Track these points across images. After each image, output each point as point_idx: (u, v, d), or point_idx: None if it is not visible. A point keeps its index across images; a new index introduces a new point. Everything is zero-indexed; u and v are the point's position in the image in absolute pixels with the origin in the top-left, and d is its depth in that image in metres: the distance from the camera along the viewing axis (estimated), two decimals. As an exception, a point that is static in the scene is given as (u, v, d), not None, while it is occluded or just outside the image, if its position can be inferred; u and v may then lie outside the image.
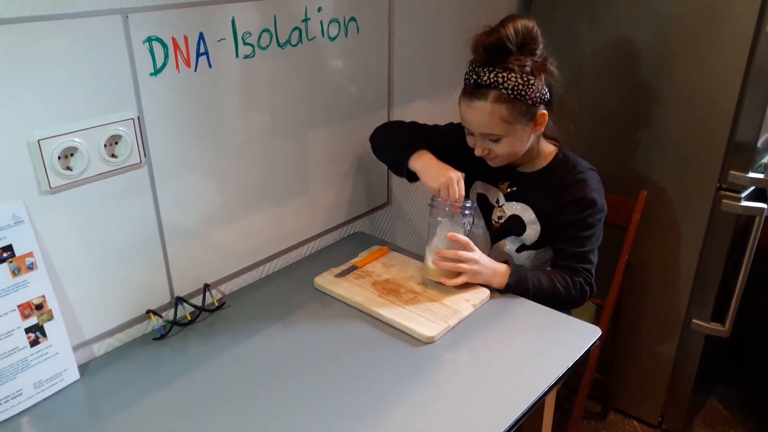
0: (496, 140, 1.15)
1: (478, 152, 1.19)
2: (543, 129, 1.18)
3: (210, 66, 1.06)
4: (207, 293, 1.17)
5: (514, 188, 1.27)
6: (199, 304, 1.15)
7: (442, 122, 1.38)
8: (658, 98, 1.51)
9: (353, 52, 1.32)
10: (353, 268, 1.26)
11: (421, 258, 1.27)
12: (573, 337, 1.07)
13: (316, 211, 1.38)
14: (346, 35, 1.29)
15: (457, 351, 1.04)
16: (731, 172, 1.44)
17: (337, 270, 1.25)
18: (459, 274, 1.15)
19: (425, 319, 1.09)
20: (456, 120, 1.34)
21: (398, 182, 1.55)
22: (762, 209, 1.43)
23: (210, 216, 1.15)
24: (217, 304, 1.17)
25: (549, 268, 1.26)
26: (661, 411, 1.80)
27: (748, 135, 1.40)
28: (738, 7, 1.34)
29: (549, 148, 1.26)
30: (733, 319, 1.56)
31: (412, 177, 1.22)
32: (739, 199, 1.45)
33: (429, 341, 1.05)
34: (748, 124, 1.39)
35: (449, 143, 1.28)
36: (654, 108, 1.53)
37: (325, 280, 1.22)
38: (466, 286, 1.16)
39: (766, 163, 1.48)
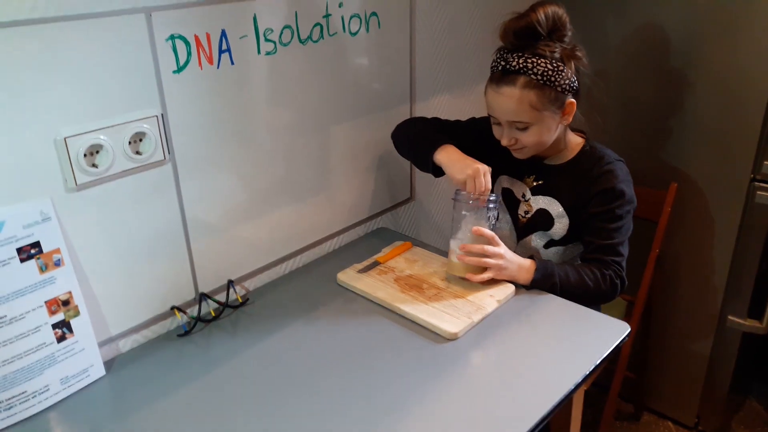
0: (524, 129, 1.13)
1: (504, 142, 1.16)
2: (571, 119, 1.15)
3: (232, 63, 1.06)
4: (231, 289, 1.17)
5: (541, 181, 1.24)
6: (223, 300, 1.16)
7: (465, 117, 1.36)
8: (689, 87, 1.47)
9: (375, 47, 1.31)
10: (376, 263, 1.25)
11: (444, 253, 1.25)
12: (601, 333, 1.04)
13: (339, 207, 1.37)
14: (367, 30, 1.28)
15: (482, 348, 1.02)
16: (766, 162, 1.38)
17: (360, 266, 1.25)
18: (484, 269, 1.13)
19: (449, 315, 1.07)
20: (479, 115, 1.32)
21: (421, 177, 1.53)
22: (800, 201, 1.38)
23: (233, 212, 1.15)
24: (240, 301, 1.17)
25: (578, 263, 1.23)
26: (698, 412, 1.74)
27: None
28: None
29: (576, 140, 1.23)
30: (772, 315, 1.50)
31: (438, 171, 1.21)
32: (775, 191, 1.40)
33: (452, 338, 1.03)
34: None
35: (473, 138, 1.27)
36: (684, 98, 1.48)
37: (348, 276, 1.21)
38: (491, 281, 1.14)
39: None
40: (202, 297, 1.13)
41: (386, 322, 1.09)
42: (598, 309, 1.19)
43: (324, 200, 1.33)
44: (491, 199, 1.13)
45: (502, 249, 1.13)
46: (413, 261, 1.26)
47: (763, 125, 1.37)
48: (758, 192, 1.41)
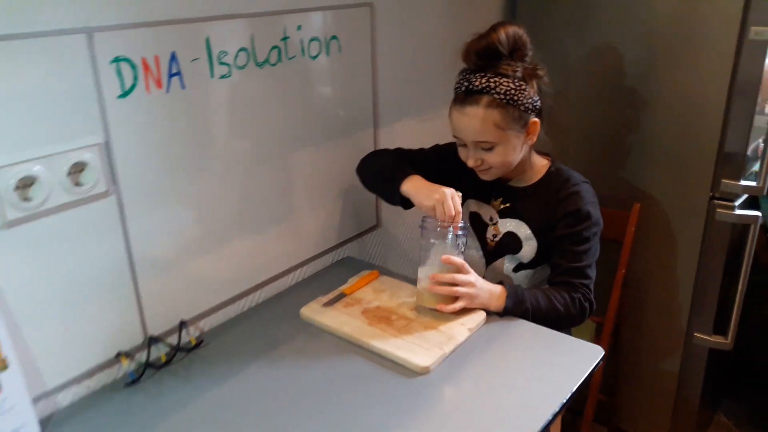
0: (490, 149, 1.11)
1: (470, 163, 1.14)
2: (535, 138, 1.14)
3: (183, 87, 1.00)
4: (183, 331, 1.08)
5: (508, 204, 1.22)
6: (175, 343, 1.06)
7: (430, 142, 1.33)
8: (647, 108, 1.49)
9: (336, 71, 1.27)
10: (341, 295, 1.19)
11: (412, 281, 1.20)
12: (575, 358, 1.01)
13: (302, 237, 1.31)
14: (327, 54, 1.24)
15: (455, 380, 0.96)
16: (723, 180, 1.40)
17: (325, 299, 1.18)
18: (455, 299, 1.08)
19: (419, 347, 1.02)
20: (444, 140, 1.29)
21: (387, 204, 1.48)
22: (756, 217, 1.40)
23: (186, 247, 1.07)
24: (194, 343, 1.08)
25: (546, 286, 1.20)
26: (669, 429, 1.73)
27: (738, 142, 1.37)
28: (722, 13, 1.33)
29: (541, 162, 1.22)
30: (735, 330, 1.51)
31: (407, 203, 1.17)
32: (732, 208, 1.41)
33: (424, 372, 0.97)
34: (737, 131, 1.37)
35: (437, 164, 1.25)
36: (643, 118, 1.50)
37: (312, 311, 1.14)
38: (462, 310, 1.09)
39: (756, 171, 1.45)
40: (152, 341, 1.04)
41: (354, 359, 1.02)
42: (569, 332, 1.16)
43: (286, 230, 1.26)
44: (460, 225, 1.09)
45: (473, 277, 1.09)
46: (381, 291, 1.21)
47: (720, 144, 1.39)
48: (718, 210, 1.42)
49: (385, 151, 1.31)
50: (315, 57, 1.21)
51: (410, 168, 1.18)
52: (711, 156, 1.41)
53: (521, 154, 1.15)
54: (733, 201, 1.42)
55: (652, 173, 1.52)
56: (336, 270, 1.35)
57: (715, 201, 1.43)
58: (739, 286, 1.46)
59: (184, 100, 1.00)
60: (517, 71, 1.08)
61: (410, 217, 1.58)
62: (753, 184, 1.38)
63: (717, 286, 1.50)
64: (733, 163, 1.39)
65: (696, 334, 1.57)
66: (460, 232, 1.09)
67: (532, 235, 1.19)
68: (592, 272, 1.16)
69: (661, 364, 1.66)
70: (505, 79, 1.07)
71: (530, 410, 0.89)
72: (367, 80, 1.36)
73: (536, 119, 1.12)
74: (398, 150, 1.30)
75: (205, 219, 1.09)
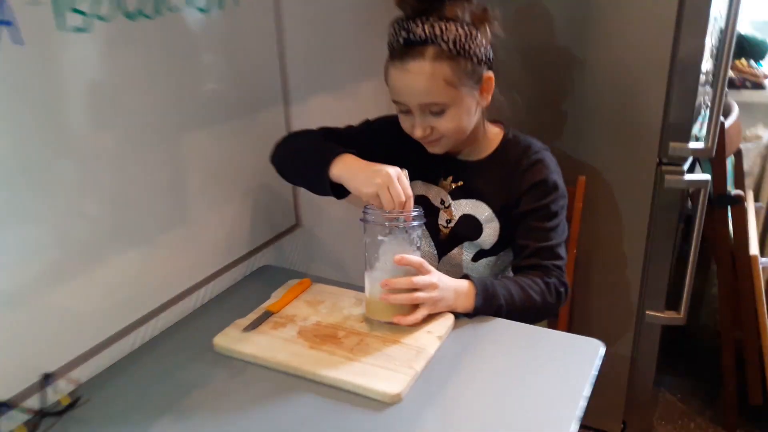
0: (440, 113, 0.91)
1: (418, 133, 0.93)
2: (490, 98, 0.96)
3: (21, 42, 0.69)
4: (49, 387, 0.77)
5: (460, 182, 1.02)
6: (38, 406, 0.75)
7: (355, 121, 1.10)
8: (585, 73, 1.36)
9: (232, 30, 1.00)
10: (267, 314, 0.93)
11: (355, 286, 0.96)
12: (570, 355, 0.84)
13: (203, 246, 1.02)
14: (220, 6, 0.97)
15: (438, 404, 0.75)
16: (671, 144, 1.31)
17: (245, 321, 0.91)
18: (415, 306, 0.86)
19: (382, 369, 0.79)
20: (373, 117, 1.08)
21: (308, 198, 1.24)
22: (706, 181, 1.33)
23: (43, 275, 0.76)
24: (67, 402, 0.77)
25: (511, 274, 1.03)
26: (623, 417, 1.63)
27: (686, 102, 1.28)
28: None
29: (494, 130, 1.04)
30: (688, 304, 1.43)
31: (340, 191, 0.93)
32: (681, 173, 1.33)
33: (395, 400, 0.75)
34: (684, 89, 1.27)
35: (371, 143, 1.01)
36: (581, 84, 1.38)
37: (230, 338, 0.87)
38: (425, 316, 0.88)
39: (696, 134, 1.38)
40: (2, 408, 0.72)
41: (299, 396, 0.77)
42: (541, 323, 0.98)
43: (180, 240, 0.97)
44: (414, 214, 0.87)
45: (435, 277, 0.87)
46: (318, 303, 0.96)
47: (665, 105, 1.29)
48: (666, 176, 1.33)
49: (306, 131, 1.06)
50: (205, 10, 0.94)
51: (341, 147, 0.94)
52: (657, 119, 1.31)
53: (475, 118, 0.96)
54: (681, 165, 1.33)
55: (595, 142, 1.40)
56: (253, 283, 1.08)
57: (663, 167, 1.34)
58: (691, 256, 1.38)
59: (22, 63, 0.70)
60: (465, 14, 0.89)
61: (338, 209, 1.33)
62: (701, 146, 1.30)
63: (668, 257, 1.41)
64: (680, 124, 1.30)
65: (648, 312, 1.48)
66: (414, 223, 0.87)
67: (493, 216, 1.00)
68: (564, 252, 1.00)
69: (613, 348, 1.55)
70: (452, 24, 0.88)
71: (547, 425, 0.70)
72: (271, 44, 1.10)
73: (490, 74, 0.94)
74: (322, 129, 1.06)
75: (65, 236, 0.78)
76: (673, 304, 1.47)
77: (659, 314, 1.47)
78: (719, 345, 1.60)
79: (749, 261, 1.46)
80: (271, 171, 1.05)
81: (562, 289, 0.97)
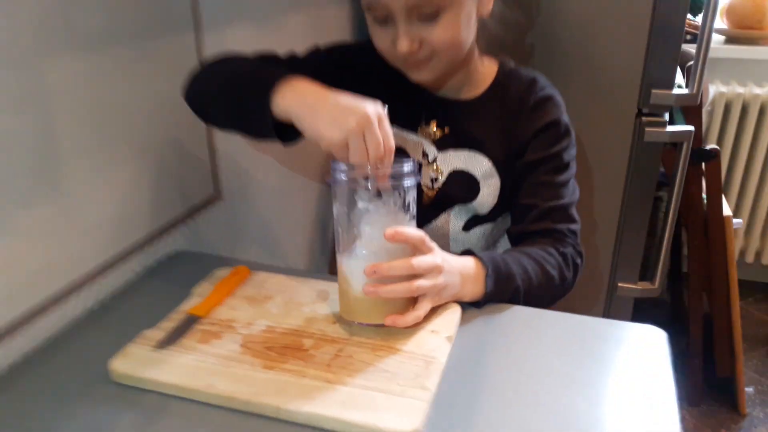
0: (432, 18, 0.66)
1: (404, 46, 0.67)
2: (491, 7, 0.72)
3: None
4: None
5: (446, 129, 0.77)
6: None
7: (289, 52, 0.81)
8: (565, 20, 1.17)
9: None
10: (191, 320, 0.63)
11: (310, 273, 0.69)
12: (627, 348, 0.63)
13: (84, 229, 0.69)
14: None
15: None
16: (653, 91, 1.16)
17: (158, 333, 0.61)
18: (414, 300, 0.61)
19: (382, 393, 0.52)
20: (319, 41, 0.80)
21: (230, 161, 0.93)
22: (690, 131, 1.19)
23: None
24: None
25: (504, 245, 0.81)
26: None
27: (668, 45, 1.13)
28: None
29: (488, 62, 0.80)
30: (664, 274, 1.31)
31: (287, 134, 0.63)
32: (664, 124, 1.18)
33: (409, 439, 0.49)
34: (665, 32, 1.12)
35: (324, 76, 0.71)
36: (556, 30, 1.18)
37: (135, 361, 0.56)
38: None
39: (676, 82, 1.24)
40: None
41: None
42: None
43: (48, 222, 0.64)
44: (406, 169, 0.60)
45: (438, 256, 0.62)
46: (264, 299, 0.67)
47: (646, 50, 1.13)
48: (647, 129, 1.18)
49: (238, 55, 0.74)
50: None
51: (287, 70, 0.65)
52: (638, 66, 1.15)
53: (473, 34, 0.72)
54: (662, 116, 1.18)
55: (569, 93, 1.21)
56: (162, 277, 0.77)
57: (644, 117, 1.18)
58: (670, 218, 1.24)
59: None
60: None
61: (272, 176, 1.03)
62: (686, 91, 1.15)
63: (645, 224, 1.27)
64: (662, 70, 1.14)
65: (620, 284, 1.34)
66: (408, 181, 0.61)
67: (492, 170, 0.77)
68: (576, 214, 0.79)
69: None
70: None
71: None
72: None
73: None
74: (259, 55, 0.76)
75: None
76: (645, 274, 1.34)
77: (632, 286, 1.34)
78: (687, 314, 1.50)
79: (722, 222, 1.35)
80: (179, 122, 0.74)
81: (579, 261, 0.77)
